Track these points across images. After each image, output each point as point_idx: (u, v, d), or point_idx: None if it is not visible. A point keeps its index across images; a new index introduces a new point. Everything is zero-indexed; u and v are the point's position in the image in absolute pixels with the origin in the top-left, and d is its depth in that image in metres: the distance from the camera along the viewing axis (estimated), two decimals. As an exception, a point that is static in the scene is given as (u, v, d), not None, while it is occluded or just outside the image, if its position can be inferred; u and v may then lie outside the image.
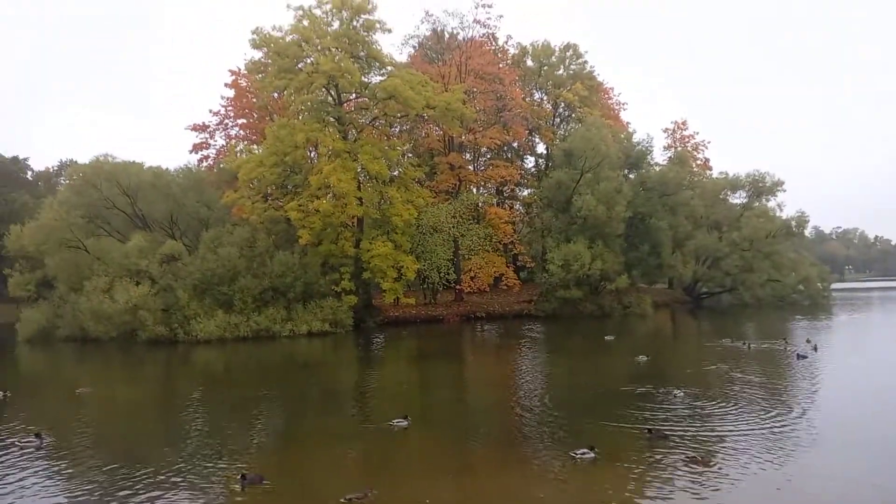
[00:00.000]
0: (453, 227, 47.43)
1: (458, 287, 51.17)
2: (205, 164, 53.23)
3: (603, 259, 46.60)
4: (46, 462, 13.12)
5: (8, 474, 12.15)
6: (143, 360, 33.19)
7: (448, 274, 47.55)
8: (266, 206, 43.69)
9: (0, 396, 20.25)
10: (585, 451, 12.13)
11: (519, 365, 28.15)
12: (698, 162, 69.45)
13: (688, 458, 11.95)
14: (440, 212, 47.11)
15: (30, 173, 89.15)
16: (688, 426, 14.39)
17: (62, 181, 76.90)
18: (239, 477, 11.06)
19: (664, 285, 65.28)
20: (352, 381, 25.05)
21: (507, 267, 55.79)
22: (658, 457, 12.16)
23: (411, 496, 10.58)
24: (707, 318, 50.06)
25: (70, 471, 12.49)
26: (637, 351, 26.40)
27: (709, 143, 71.23)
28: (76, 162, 69.30)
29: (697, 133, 71.20)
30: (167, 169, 48.20)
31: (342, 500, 10.08)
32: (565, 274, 45.83)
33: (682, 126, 70.40)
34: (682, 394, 17.75)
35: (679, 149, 67.46)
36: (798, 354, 24.24)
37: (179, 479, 11.55)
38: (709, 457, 11.97)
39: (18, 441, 14.38)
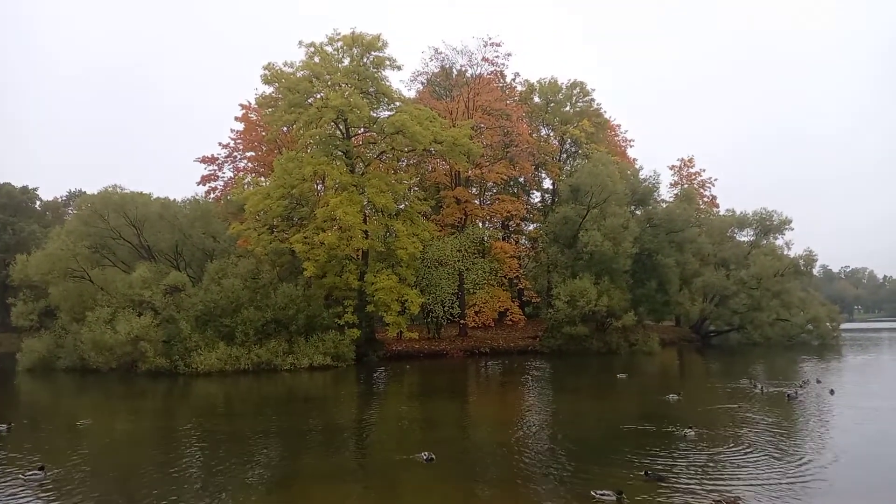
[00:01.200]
0: (458, 260, 47.27)
1: (462, 322, 50.71)
2: (212, 195, 53.59)
3: (609, 295, 46.18)
4: (50, 494, 12.81)
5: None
6: (143, 392, 32.70)
7: (452, 308, 47.17)
8: (271, 238, 43.67)
9: (4, 429, 19.85)
10: (607, 492, 11.70)
11: (525, 403, 27.57)
12: (705, 199, 69.54)
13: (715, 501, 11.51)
14: (445, 245, 47.01)
15: (38, 203, 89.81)
16: (703, 469, 13.88)
17: (70, 211, 77.55)
18: None
19: (671, 323, 64.62)
20: (353, 417, 24.49)
21: (513, 302, 55.40)
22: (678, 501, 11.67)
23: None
24: (715, 357, 49.26)
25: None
26: (653, 390, 25.95)
27: (715, 180, 71.19)
28: (85, 192, 69.94)
29: (704, 170, 71.49)
30: (175, 200, 48.42)
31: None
32: (571, 310, 45.36)
33: (688, 163, 70.75)
34: (692, 433, 17.24)
35: (686, 186, 67.64)
36: (788, 395, 24.03)
37: None
38: (735, 500, 11.51)
39: (23, 475, 13.97)
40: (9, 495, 12.55)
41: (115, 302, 39.64)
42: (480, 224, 56.84)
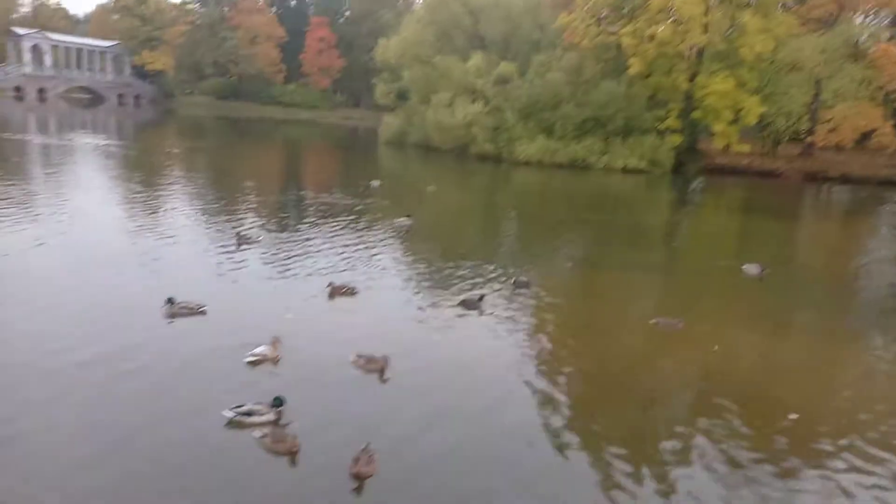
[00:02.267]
0: (819, 65, 39.00)
1: (808, 140, 43.39)
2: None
3: None
4: (414, 237, 15.96)
5: (384, 249, 15.09)
6: (473, 171, 36.85)
7: (798, 122, 40.34)
8: (598, 31, 41.55)
9: (377, 185, 24.53)
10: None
11: (874, 236, 23.45)
12: None
13: None
14: (805, 45, 38.82)
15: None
16: None
17: (419, 1, 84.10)
18: (513, 282, 11.84)
19: None
20: (662, 220, 24.16)
21: (885, 121, 44.67)
22: None
23: (717, 335, 10.08)
24: None
25: (430, 248, 15.13)
26: None
27: None
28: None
29: None
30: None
31: (651, 322, 10.19)
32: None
33: None
34: None
35: None
36: None
37: (480, 280, 12.82)
38: None
39: (395, 221, 17.19)
40: (380, 236, 15.80)
41: (453, 87, 43.61)
42: (859, 19, 44.91)
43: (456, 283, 11.88)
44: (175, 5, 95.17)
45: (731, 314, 11.69)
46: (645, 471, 6.21)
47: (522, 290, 11.52)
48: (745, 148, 41.24)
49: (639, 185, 35.07)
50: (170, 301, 9.06)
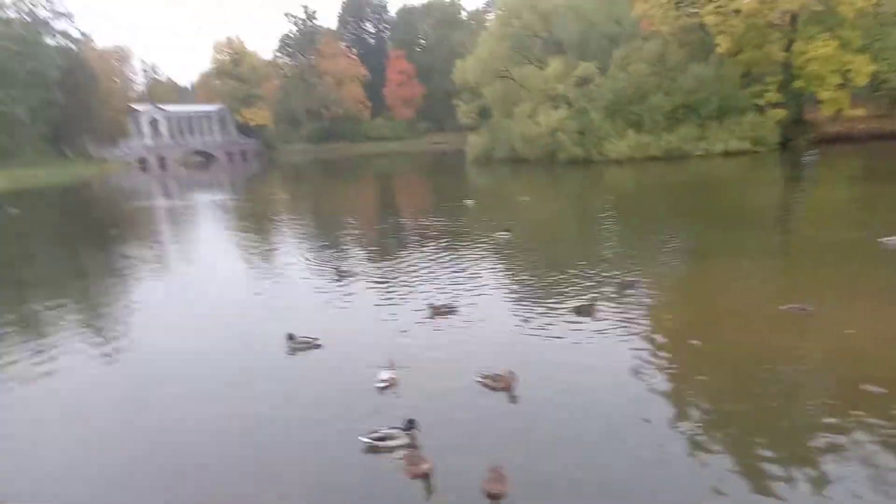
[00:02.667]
0: (937, 9, 35.35)
1: (933, 93, 39.22)
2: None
3: None
4: (514, 251, 16.03)
5: (485, 262, 15.39)
6: (563, 178, 36.46)
7: (919, 75, 36.62)
8: (678, 14, 40.06)
9: (470, 203, 24.80)
10: None
11: None
12: None
13: None
14: (916, -10, 35.43)
15: (464, 13, 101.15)
16: None
17: (489, 17, 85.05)
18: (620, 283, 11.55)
19: None
20: (774, 200, 22.69)
21: None
22: None
23: (853, 317, 9.32)
24: None
25: (532, 260, 15.13)
26: None
27: None
28: (499, -2, 75.08)
29: None
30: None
31: (781, 308, 9.67)
32: None
33: None
34: None
35: None
36: None
37: (588, 281, 12.62)
38: None
39: (492, 236, 17.52)
40: (481, 252, 16.01)
41: (534, 97, 43.58)
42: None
43: (562, 291, 11.80)
44: (267, 62, 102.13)
45: (868, 292, 10.75)
46: (798, 471, 5.81)
47: (632, 291, 11.27)
48: (860, 112, 38.07)
49: (743, 167, 33.20)
50: (290, 337, 9.71)
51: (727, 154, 36.80)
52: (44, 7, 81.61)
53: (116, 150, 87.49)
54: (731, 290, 11.55)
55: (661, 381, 7.79)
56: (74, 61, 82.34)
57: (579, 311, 10.31)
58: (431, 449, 6.41)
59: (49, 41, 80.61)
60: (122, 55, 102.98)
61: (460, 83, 51.29)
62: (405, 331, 10.26)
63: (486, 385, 7.74)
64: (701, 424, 6.77)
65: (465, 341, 9.65)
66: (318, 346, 9.64)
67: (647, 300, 10.97)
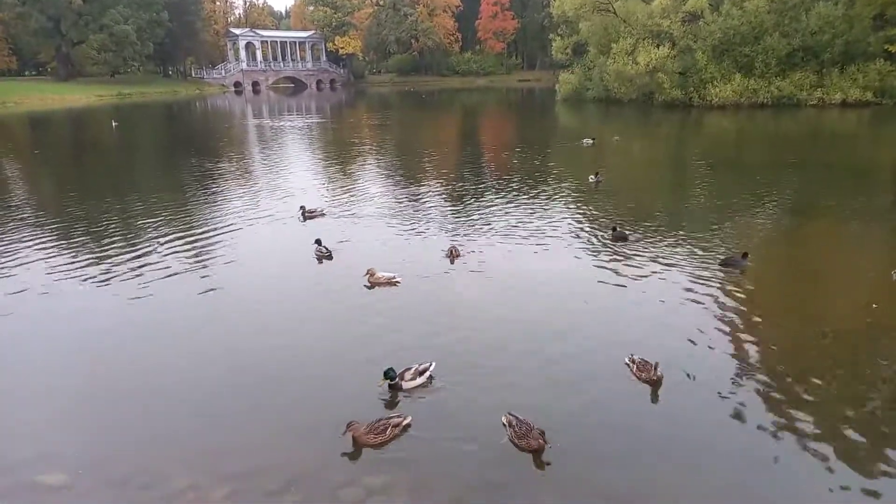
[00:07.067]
0: None
1: None
2: None
3: None
4: (601, 194, 15.33)
5: (574, 206, 14.99)
6: (660, 121, 34.54)
7: None
8: (809, -55, 36.03)
9: (591, 142, 23.51)
10: None
11: None
12: None
13: None
14: None
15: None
16: None
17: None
18: (721, 262, 9.71)
19: None
20: (893, 158, 20.60)
21: None
22: None
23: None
24: None
25: (618, 201, 14.62)
26: None
27: None
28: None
29: None
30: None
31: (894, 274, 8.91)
32: None
33: None
34: None
35: None
36: None
37: (678, 254, 11.32)
38: None
39: (581, 182, 16.62)
40: (576, 193, 15.39)
41: (635, 33, 41.02)
42: None
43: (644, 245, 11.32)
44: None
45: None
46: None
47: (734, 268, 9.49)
48: None
49: (862, 120, 30.32)
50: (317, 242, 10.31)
51: (846, 105, 33.66)
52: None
53: (214, 72, 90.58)
54: (839, 254, 10.71)
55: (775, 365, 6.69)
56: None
57: (728, 263, 9.43)
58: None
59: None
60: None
61: (558, 16, 48.87)
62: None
63: (633, 373, 6.37)
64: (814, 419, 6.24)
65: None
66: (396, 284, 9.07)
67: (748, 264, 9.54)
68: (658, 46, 39.19)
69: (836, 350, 6.97)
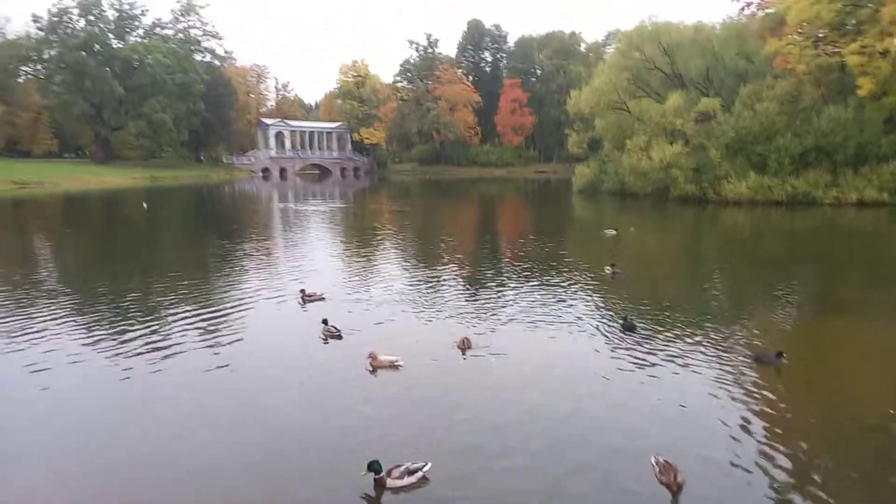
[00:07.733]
0: None
1: None
2: (746, 11, 48.88)
3: None
4: (616, 286, 15.15)
5: (587, 297, 15.02)
6: (673, 214, 34.90)
7: None
8: (816, 53, 37.53)
9: (612, 233, 24.03)
10: None
11: None
12: None
13: None
14: None
15: (583, 45, 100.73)
16: None
17: (608, 50, 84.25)
18: (754, 357, 9.42)
19: None
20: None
21: None
22: None
23: None
24: None
25: (632, 294, 14.58)
26: None
27: None
28: (621, 31, 74.46)
29: None
30: (707, 24, 46.55)
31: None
32: None
33: None
34: None
35: None
36: None
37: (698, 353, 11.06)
38: None
39: (597, 273, 16.53)
40: (592, 285, 15.32)
41: (649, 130, 42.33)
42: None
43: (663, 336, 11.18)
44: (388, 85, 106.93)
45: None
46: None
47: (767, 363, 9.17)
48: None
49: (880, 219, 30.26)
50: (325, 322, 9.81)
51: (861, 204, 33.75)
52: (197, 28, 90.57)
53: (244, 158, 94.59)
54: (862, 356, 10.40)
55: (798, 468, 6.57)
56: (218, 77, 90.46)
57: (761, 360, 9.19)
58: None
59: (198, 57, 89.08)
60: (259, 73, 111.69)
61: (573, 113, 50.88)
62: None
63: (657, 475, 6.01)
64: None
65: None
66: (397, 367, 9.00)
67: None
68: (672, 143, 40.28)
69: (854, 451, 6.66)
